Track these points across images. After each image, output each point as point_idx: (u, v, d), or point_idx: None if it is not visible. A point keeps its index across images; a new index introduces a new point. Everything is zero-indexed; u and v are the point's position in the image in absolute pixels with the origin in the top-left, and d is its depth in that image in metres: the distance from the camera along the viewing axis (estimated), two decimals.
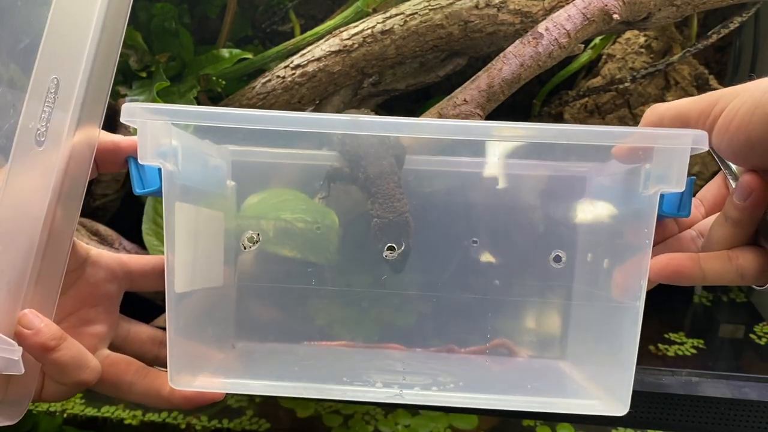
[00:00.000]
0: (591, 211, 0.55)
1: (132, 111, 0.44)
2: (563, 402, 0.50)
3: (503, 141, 0.50)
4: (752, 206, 0.43)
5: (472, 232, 0.59)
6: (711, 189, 0.51)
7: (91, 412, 0.87)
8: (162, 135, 0.45)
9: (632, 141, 0.44)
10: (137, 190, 0.47)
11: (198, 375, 0.50)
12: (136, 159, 0.46)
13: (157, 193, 0.47)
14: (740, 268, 0.44)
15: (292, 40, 0.77)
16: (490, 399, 0.49)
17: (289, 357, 0.55)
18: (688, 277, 0.45)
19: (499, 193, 0.58)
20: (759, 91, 0.40)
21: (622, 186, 0.49)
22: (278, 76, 0.74)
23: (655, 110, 0.46)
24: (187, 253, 0.50)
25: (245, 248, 0.53)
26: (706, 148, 0.43)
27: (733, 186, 0.45)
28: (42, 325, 0.42)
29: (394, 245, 0.53)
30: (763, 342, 0.79)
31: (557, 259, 0.55)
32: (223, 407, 0.89)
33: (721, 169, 0.48)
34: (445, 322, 0.58)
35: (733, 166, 0.46)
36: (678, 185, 0.44)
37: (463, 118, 0.65)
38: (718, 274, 0.44)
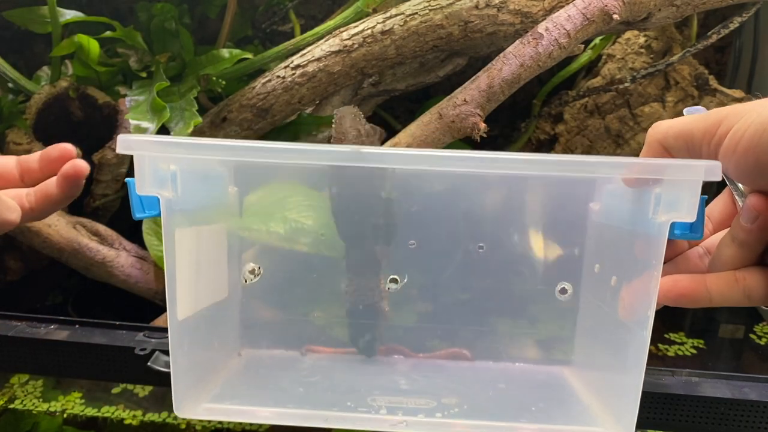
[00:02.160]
0: (600, 220, 0.55)
1: (129, 144, 0.43)
2: (568, 429, 0.50)
3: (501, 171, 0.48)
4: (760, 228, 0.42)
5: (477, 236, 0.59)
6: (718, 205, 0.50)
7: (91, 412, 0.87)
8: (160, 163, 0.45)
9: (641, 172, 0.43)
10: (137, 215, 0.46)
11: (202, 399, 0.50)
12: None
13: (159, 216, 0.47)
14: (747, 290, 0.43)
15: (292, 40, 0.77)
16: (495, 427, 0.49)
17: (293, 374, 0.55)
18: (694, 300, 0.44)
19: (504, 197, 0.58)
20: (767, 113, 0.38)
21: (631, 206, 0.48)
22: (278, 76, 0.74)
23: (658, 128, 0.44)
24: (189, 278, 0.49)
25: (246, 281, 0.53)
26: (719, 178, 0.41)
27: (741, 204, 0.44)
28: None
29: (396, 277, 0.52)
30: (763, 342, 0.79)
31: (563, 290, 0.55)
32: None
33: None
34: (448, 325, 0.58)
35: (741, 186, 0.45)
36: (689, 215, 0.42)
37: (463, 118, 0.65)
38: (724, 296, 0.43)
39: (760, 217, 0.41)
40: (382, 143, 0.61)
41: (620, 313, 0.48)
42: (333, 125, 0.57)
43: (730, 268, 0.44)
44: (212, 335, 0.55)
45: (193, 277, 0.50)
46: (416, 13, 0.70)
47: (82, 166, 0.48)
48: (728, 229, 0.44)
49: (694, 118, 0.42)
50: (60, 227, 0.73)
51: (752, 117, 0.39)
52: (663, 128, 0.44)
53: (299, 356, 0.56)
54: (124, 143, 0.43)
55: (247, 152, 0.44)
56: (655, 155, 0.44)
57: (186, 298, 0.48)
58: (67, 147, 0.49)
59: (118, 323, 0.66)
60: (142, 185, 0.45)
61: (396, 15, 0.71)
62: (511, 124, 0.91)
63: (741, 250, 0.43)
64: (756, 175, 0.40)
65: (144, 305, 0.75)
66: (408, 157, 0.44)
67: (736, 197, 0.45)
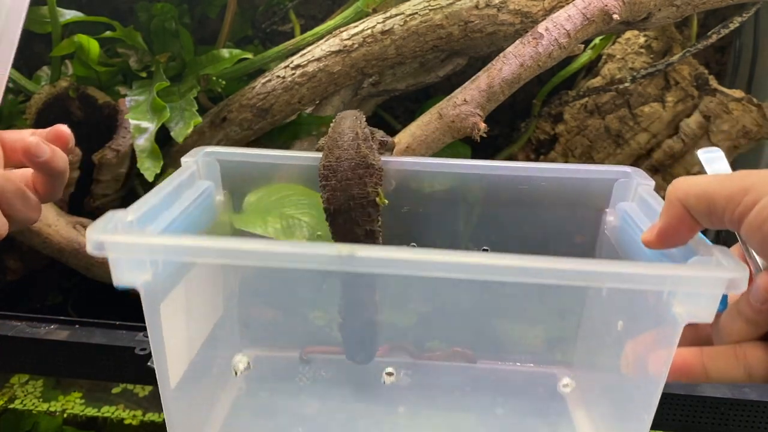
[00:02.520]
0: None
1: (101, 245, 0.39)
2: None
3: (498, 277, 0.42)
4: None
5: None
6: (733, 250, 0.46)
7: (91, 412, 0.87)
8: (136, 260, 0.41)
9: (659, 285, 0.40)
10: (118, 286, 0.42)
11: None
12: None
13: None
14: (748, 367, 0.40)
15: (292, 40, 0.77)
16: None
17: (293, 417, 0.54)
18: (690, 376, 0.41)
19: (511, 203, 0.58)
20: None
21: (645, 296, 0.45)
22: (278, 76, 0.74)
23: (679, 185, 0.41)
24: (180, 345, 0.48)
25: (236, 374, 0.51)
26: (742, 291, 0.39)
27: (754, 271, 0.41)
28: None
29: (392, 371, 0.51)
30: None
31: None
32: None
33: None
34: (449, 327, 0.58)
35: (759, 260, 0.42)
36: (708, 317, 0.40)
37: (463, 118, 0.65)
38: (722, 373, 0.41)
39: None
40: (392, 154, 0.60)
41: (622, 365, 0.46)
42: (331, 125, 0.56)
43: (732, 341, 0.41)
44: (209, 370, 0.54)
45: (185, 341, 0.49)
46: (416, 13, 0.70)
47: (64, 129, 0.47)
48: (735, 304, 0.41)
49: (719, 180, 0.39)
50: (60, 227, 0.73)
51: None
52: (684, 186, 0.41)
53: (298, 365, 0.55)
54: (95, 244, 0.39)
55: (231, 254, 0.41)
56: (675, 215, 0.41)
57: (177, 366, 0.47)
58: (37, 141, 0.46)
59: (118, 323, 0.66)
60: (118, 278, 0.41)
61: (396, 15, 0.71)
62: (511, 124, 0.91)
63: (747, 326, 0.40)
64: None
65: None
66: (399, 263, 0.40)
67: (750, 264, 0.42)
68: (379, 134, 0.57)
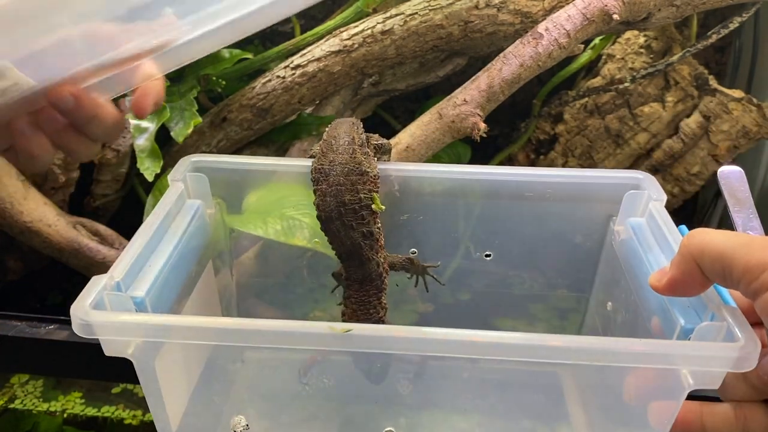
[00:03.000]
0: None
1: (90, 329, 0.39)
2: None
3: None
4: None
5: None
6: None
7: (91, 412, 0.87)
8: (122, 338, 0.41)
9: (667, 363, 0.39)
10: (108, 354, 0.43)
11: None
12: None
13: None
14: (747, 429, 0.40)
15: (292, 40, 0.77)
16: None
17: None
18: (686, 431, 0.41)
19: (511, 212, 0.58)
20: None
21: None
22: (278, 76, 0.74)
23: (696, 242, 0.39)
24: (180, 395, 0.48)
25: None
26: (752, 368, 0.38)
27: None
28: None
29: (392, 429, 0.51)
30: None
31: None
32: None
33: None
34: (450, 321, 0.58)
35: None
36: (715, 385, 0.40)
37: (463, 118, 0.65)
38: None
39: None
40: (389, 156, 0.60)
41: (625, 393, 0.46)
42: (326, 130, 0.55)
43: (734, 399, 0.41)
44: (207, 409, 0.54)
45: (184, 391, 0.48)
46: (416, 13, 0.70)
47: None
48: None
49: (740, 245, 0.37)
50: (60, 227, 0.73)
51: None
52: (701, 244, 0.39)
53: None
54: (82, 328, 0.39)
55: (219, 335, 0.40)
56: (687, 271, 0.40)
57: (177, 413, 0.47)
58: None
59: None
60: (110, 350, 0.41)
61: (396, 15, 0.71)
62: (511, 124, 0.91)
63: (750, 390, 0.40)
64: None
65: None
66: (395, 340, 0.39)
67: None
68: (374, 138, 0.56)
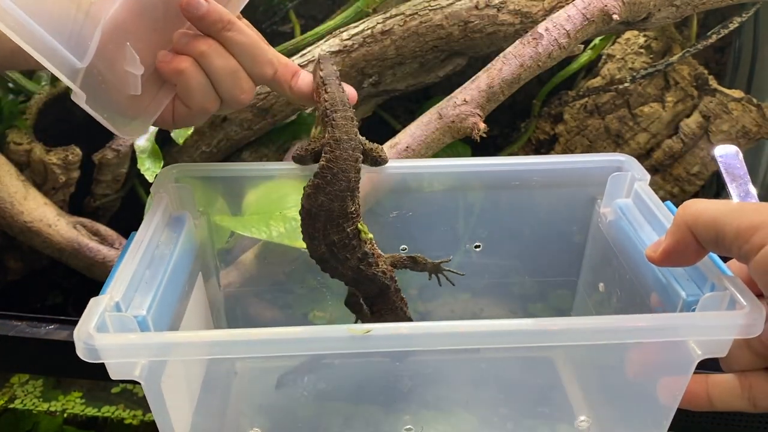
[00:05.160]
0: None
1: (95, 354, 0.38)
2: None
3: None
4: None
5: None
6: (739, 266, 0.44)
7: (91, 412, 0.87)
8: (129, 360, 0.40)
9: (674, 335, 0.40)
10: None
11: None
12: None
13: None
14: (753, 398, 0.40)
15: (292, 41, 0.77)
16: None
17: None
18: (693, 404, 0.42)
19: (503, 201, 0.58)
20: None
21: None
22: None
23: (690, 210, 0.40)
24: (185, 410, 0.48)
25: None
26: (758, 334, 0.39)
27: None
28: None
29: (411, 427, 0.51)
30: None
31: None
32: None
33: None
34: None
35: None
36: (722, 353, 0.40)
37: (463, 118, 0.65)
38: (726, 402, 0.41)
39: None
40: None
41: (627, 367, 0.46)
42: (317, 67, 0.54)
43: (739, 369, 0.41)
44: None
45: (188, 406, 0.48)
46: (416, 13, 0.70)
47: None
48: None
49: (731, 210, 0.38)
50: (60, 227, 0.73)
51: None
52: (694, 212, 0.40)
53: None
54: (88, 352, 0.38)
55: (234, 347, 0.40)
56: (682, 239, 0.41)
57: (184, 426, 0.47)
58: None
59: None
60: (116, 374, 0.41)
61: (396, 15, 0.71)
62: (511, 124, 0.91)
63: (754, 358, 0.40)
64: None
65: None
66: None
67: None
68: (376, 150, 0.54)
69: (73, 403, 0.87)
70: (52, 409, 0.86)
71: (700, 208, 0.40)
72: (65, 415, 0.86)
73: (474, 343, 0.41)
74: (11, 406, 0.86)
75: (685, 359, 0.41)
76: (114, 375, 0.40)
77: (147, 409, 0.86)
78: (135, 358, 0.40)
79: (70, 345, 0.60)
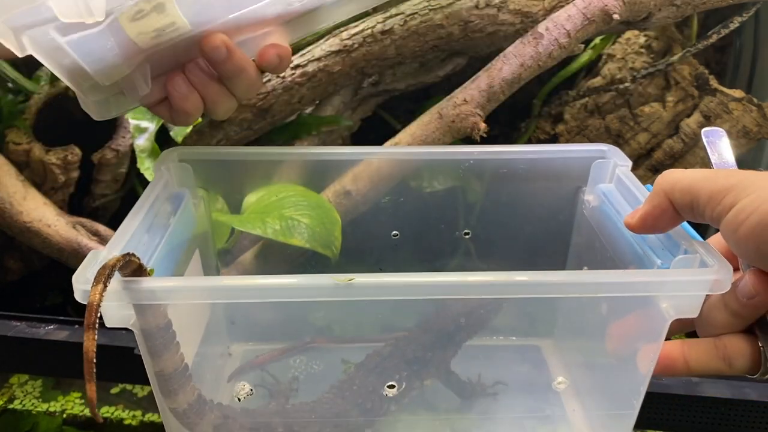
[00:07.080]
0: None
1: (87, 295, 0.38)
2: None
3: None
4: (755, 306, 0.40)
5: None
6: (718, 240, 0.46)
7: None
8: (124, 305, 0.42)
9: (646, 291, 0.42)
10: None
11: None
12: None
13: None
14: (728, 359, 0.41)
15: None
16: None
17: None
18: (670, 369, 0.43)
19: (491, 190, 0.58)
20: None
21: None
22: (278, 76, 0.74)
23: (668, 178, 0.42)
24: None
25: (240, 400, 0.52)
26: (726, 290, 0.41)
27: (741, 265, 0.42)
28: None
29: (395, 383, 0.51)
30: None
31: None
32: None
33: None
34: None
35: None
36: (694, 313, 0.42)
37: (463, 118, 0.65)
38: (703, 365, 0.42)
39: (757, 297, 0.40)
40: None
41: (607, 342, 0.49)
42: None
43: (717, 333, 0.42)
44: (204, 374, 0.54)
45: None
46: (416, 12, 0.70)
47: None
48: (722, 296, 0.42)
49: (705, 175, 0.40)
50: (60, 227, 0.73)
51: (760, 198, 0.37)
52: (672, 179, 0.42)
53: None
54: (84, 295, 0.39)
55: (223, 292, 0.41)
56: (659, 204, 0.43)
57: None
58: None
59: None
60: (109, 322, 0.42)
61: (396, 15, 0.71)
62: (511, 124, 0.91)
63: (731, 319, 0.41)
64: (755, 259, 0.39)
65: None
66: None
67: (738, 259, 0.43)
68: None
69: (73, 404, 0.87)
70: (52, 409, 0.86)
71: (678, 175, 0.42)
72: (64, 415, 0.86)
73: (452, 294, 0.43)
74: (10, 406, 0.86)
75: (659, 320, 0.42)
76: (109, 322, 0.42)
77: (147, 409, 0.86)
78: (129, 301, 0.41)
79: (70, 345, 0.60)
